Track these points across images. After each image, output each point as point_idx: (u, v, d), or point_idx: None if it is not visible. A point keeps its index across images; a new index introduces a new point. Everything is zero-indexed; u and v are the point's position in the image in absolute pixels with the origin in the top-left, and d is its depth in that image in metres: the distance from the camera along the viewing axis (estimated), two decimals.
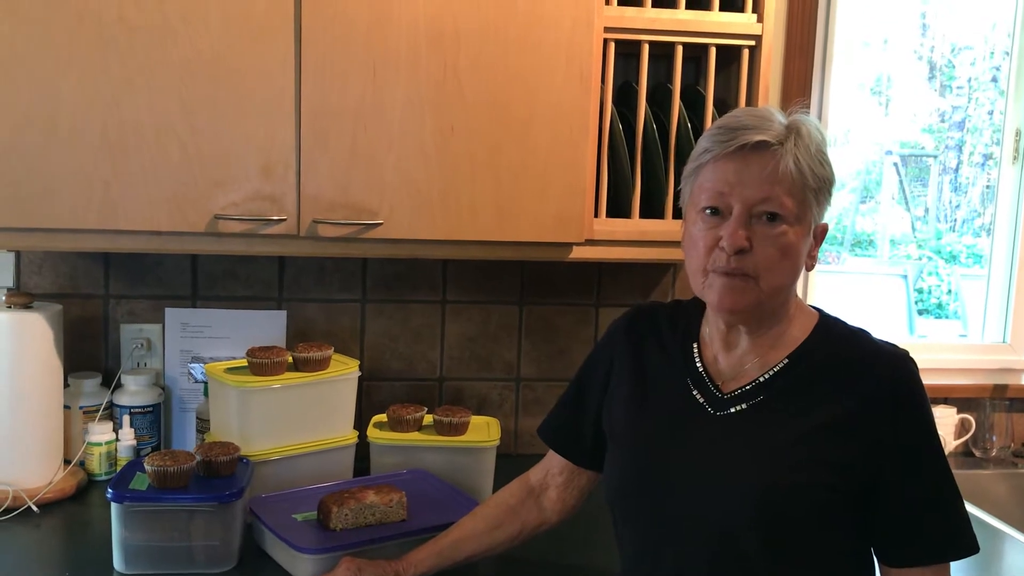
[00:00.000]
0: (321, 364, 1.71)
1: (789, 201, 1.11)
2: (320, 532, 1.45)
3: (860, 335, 1.19)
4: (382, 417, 1.83)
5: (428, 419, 1.82)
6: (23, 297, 1.70)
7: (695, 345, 1.25)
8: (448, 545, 1.38)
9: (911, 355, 1.16)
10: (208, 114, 1.55)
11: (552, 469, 1.42)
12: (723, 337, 1.21)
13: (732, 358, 1.20)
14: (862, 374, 1.13)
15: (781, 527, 1.10)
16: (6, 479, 1.65)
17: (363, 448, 1.77)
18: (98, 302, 1.93)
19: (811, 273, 1.84)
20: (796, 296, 1.21)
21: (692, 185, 1.17)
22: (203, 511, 1.43)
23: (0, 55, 1.49)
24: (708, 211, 1.13)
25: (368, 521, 1.47)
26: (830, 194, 1.16)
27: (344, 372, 1.74)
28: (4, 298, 1.70)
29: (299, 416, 1.67)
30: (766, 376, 1.17)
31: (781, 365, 1.17)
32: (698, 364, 1.23)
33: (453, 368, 2.07)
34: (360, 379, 1.80)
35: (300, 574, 1.40)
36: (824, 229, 1.19)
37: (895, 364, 1.14)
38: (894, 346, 1.17)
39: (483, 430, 1.82)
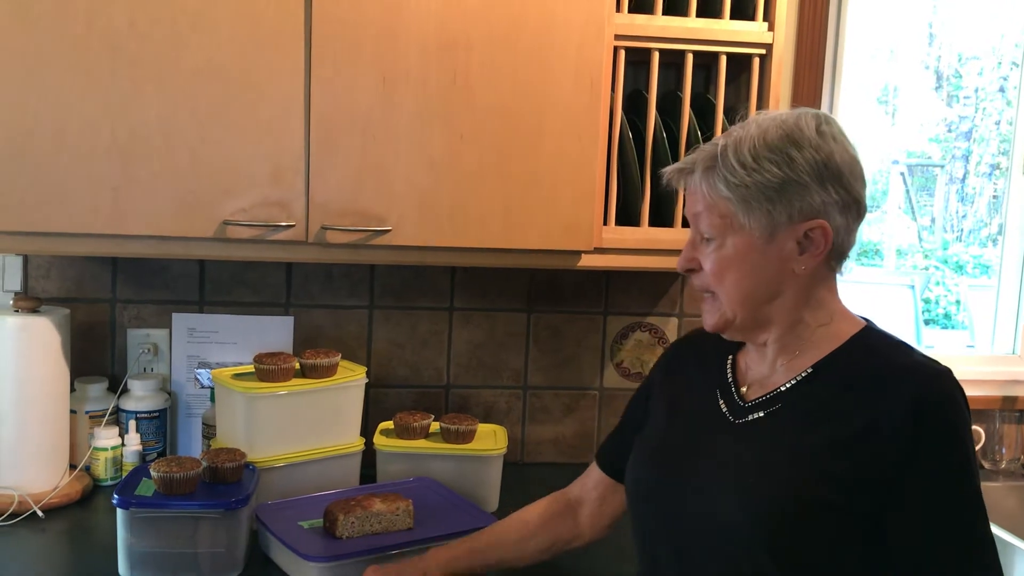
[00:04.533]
0: (328, 371, 1.71)
1: (709, 217, 1.13)
2: (326, 540, 1.44)
3: (899, 348, 1.13)
4: (389, 424, 1.82)
5: (435, 427, 1.81)
6: (31, 301, 1.70)
7: (731, 357, 1.25)
8: (478, 548, 1.37)
9: (953, 374, 1.09)
10: (217, 121, 1.55)
11: (588, 483, 1.41)
12: (755, 347, 1.21)
13: (762, 366, 1.20)
14: (886, 389, 1.07)
15: (781, 542, 1.07)
16: (12, 483, 1.65)
17: (369, 455, 1.77)
18: (105, 307, 1.93)
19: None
20: (835, 303, 1.17)
21: None
22: (209, 518, 1.42)
23: (11, 62, 1.50)
24: None
25: (374, 529, 1.46)
26: (782, 193, 1.09)
27: (351, 379, 1.74)
28: (12, 302, 1.70)
29: (306, 423, 1.67)
30: (787, 385, 1.15)
31: (804, 374, 1.14)
32: (728, 373, 1.23)
33: (460, 376, 2.06)
34: (367, 386, 1.79)
35: None
36: (812, 229, 1.10)
37: (925, 380, 1.07)
38: (933, 362, 1.10)
39: (490, 438, 1.81)
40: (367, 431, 1.81)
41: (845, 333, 1.15)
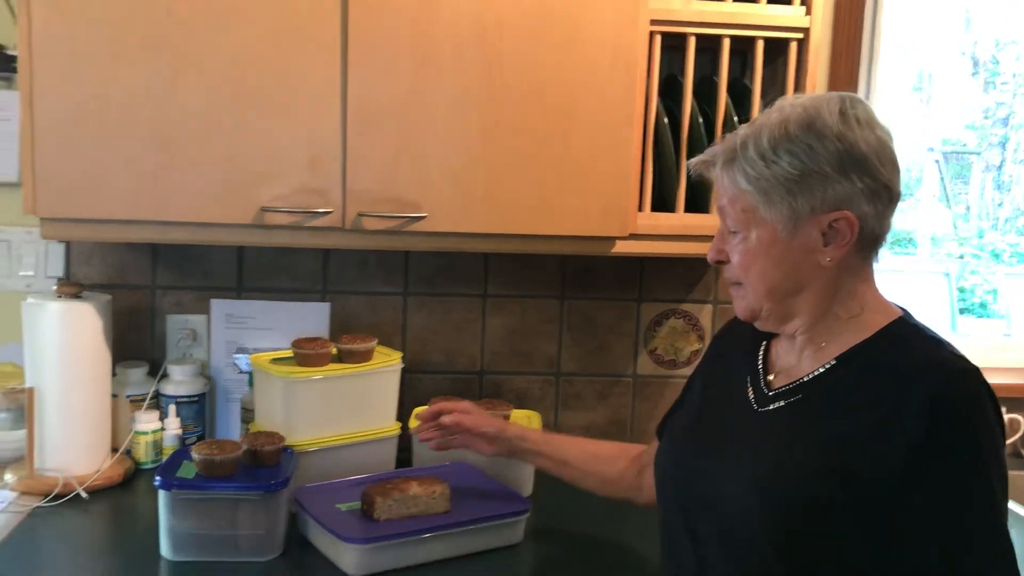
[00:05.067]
0: (365, 356, 1.72)
1: (733, 210, 1.13)
2: (364, 522, 1.45)
3: (928, 342, 1.10)
4: (423, 409, 1.83)
5: None
6: (73, 287, 1.73)
7: (765, 342, 1.24)
8: (555, 439, 1.54)
9: (980, 373, 1.04)
10: (255, 108, 1.57)
11: (651, 451, 1.41)
12: (785, 335, 1.21)
13: (791, 354, 1.19)
14: (905, 385, 1.04)
15: (784, 536, 1.06)
16: (56, 465, 1.68)
17: (405, 440, 1.78)
18: (145, 293, 1.96)
19: None
20: (868, 293, 1.14)
21: None
22: (249, 500, 1.44)
23: (52, 50, 1.52)
24: None
25: (411, 512, 1.48)
26: (802, 185, 1.07)
27: (387, 364, 1.75)
28: (55, 288, 1.73)
29: (343, 407, 1.68)
30: (810, 376, 1.13)
31: (828, 365, 1.12)
32: (759, 360, 1.22)
33: (493, 362, 2.07)
34: (402, 372, 1.80)
35: (344, 564, 1.41)
36: (836, 220, 1.08)
37: (945, 378, 1.03)
38: (960, 359, 1.06)
39: (524, 424, 1.81)
40: (402, 416, 1.82)
41: (875, 324, 1.12)
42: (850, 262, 1.12)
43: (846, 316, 1.14)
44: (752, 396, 1.19)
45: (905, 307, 1.17)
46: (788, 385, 1.15)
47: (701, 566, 1.15)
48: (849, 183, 1.07)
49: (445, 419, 1.55)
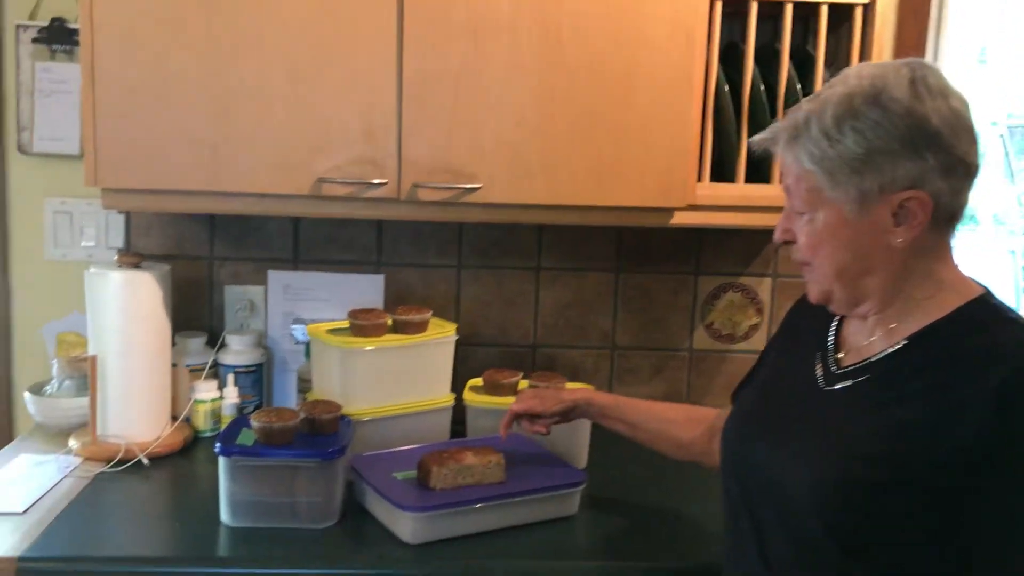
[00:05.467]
0: (420, 327, 1.73)
1: (798, 189, 1.09)
2: (420, 491, 1.46)
3: (1007, 325, 1.04)
4: (477, 381, 1.83)
5: (523, 384, 1.81)
6: (133, 257, 1.75)
7: (838, 318, 1.20)
8: (625, 401, 1.53)
9: None
10: (311, 78, 1.57)
11: (723, 416, 1.39)
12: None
13: (861, 333, 1.15)
14: (976, 369, 0.99)
15: (840, 518, 1.03)
16: (118, 432, 1.71)
17: (459, 412, 1.78)
18: (204, 264, 1.99)
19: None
20: (945, 272, 1.09)
21: None
22: (306, 467, 1.45)
23: (112, 23, 1.54)
24: None
25: (467, 482, 1.48)
26: (869, 164, 1.02)
27: (442, 335, 1.75)
28: (116, 258, 1.76)
29: (398, 377, 1.69)
30: (879, 355, 1.09)
31: (899, 346, 1.08)
32: (830, 337, 1.19)
33: (547, 335, 2.06)
34: (456, 344, 1.80)
35: (400, 531, 1.42)
36: (908, 200, 1.03)
37: (1018, 363, 0.97)
38: None
39: None
40: (457, 388, 1.82)
41: (951, 304, 1.06)
42: (924, 242, 1.06)
43: (920, 296, 1.08)
44: (820, 374, 1.16)
45: (987, 285, 1.11)
46: (856, 364, 1.11)
47: (761, 543, 1.13)
48: (920, 160, 1.01)
49: (525, 430, 1.57)
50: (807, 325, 1.25)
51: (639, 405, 1.54)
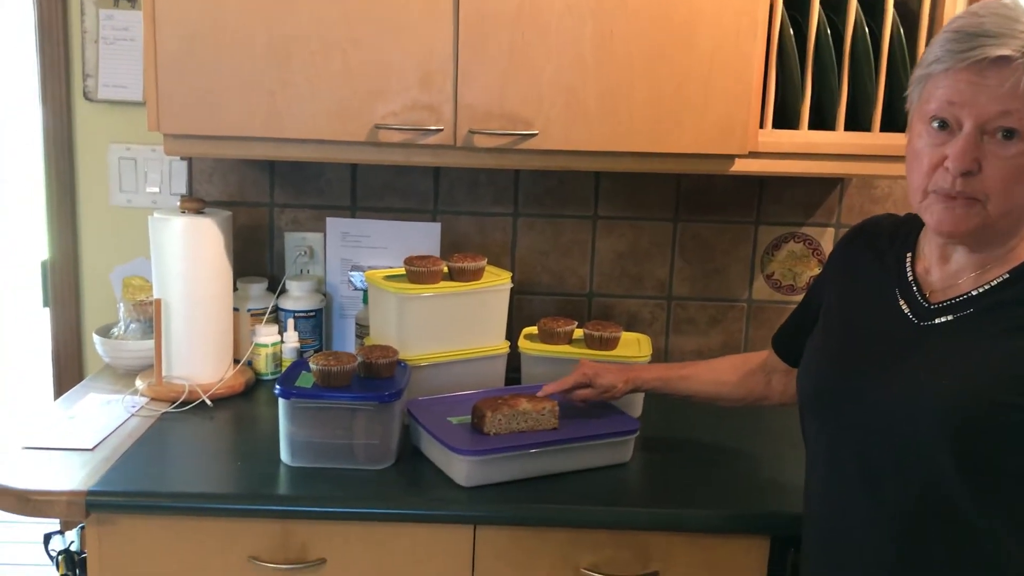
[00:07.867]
0: (475, 274, 1.73)
1: (1022, 117, 1.00)
2: (474, 435, 1.47)
3: None
4: (532, 329, 1.83)
5: (578, 333, 1.81)
6: (196, 203, 1.78)
7: (909, 255, 1.19)
8: (675, 376, 1.56)
9: None
10: (368, 24, 1.56)
11: (774, 358, 1.49)
12: (940, 250, 1.14)
13: (946, 271, 1.13)
14: None
15: (971, 444, 1.03)
16: (182, 374, 1.76)
17: (514, 359, 1.79)
18: (264, 210, 2.01)
19: None
20: None
21: (920, 93, 1.09)
22: (364, 410, 1.48)
23: None
24: (936, 124, 1.05)
25: (521, 427, 1.49)
26: None
27: (497, 283, 1.75)
28: (179, 204, 1.79)
29: (454, 324, 1.70)
30: (980, 290, 1.09)
31: (1000, 280, 1.08)
32: (909, 274, 1.17)
33: (603, 284, 2.05)
34: (511, 292, 1.80)
35: (455, 474, 1.44)
36: None
37: None
38: None
39: (634, 346, 1.80)
40: (511, 336, 1.83)
41: None
42: None
43: (1016, 234, 1.09)
44: (908, 311, 1.14)
45: None
46: (953, 299, 1.10)
47: (873, 486, 1.11)
48: None
49: (578, 396, 1.59)
50: (868, 263, 1.23)
51: (688, 376, 1.56)
